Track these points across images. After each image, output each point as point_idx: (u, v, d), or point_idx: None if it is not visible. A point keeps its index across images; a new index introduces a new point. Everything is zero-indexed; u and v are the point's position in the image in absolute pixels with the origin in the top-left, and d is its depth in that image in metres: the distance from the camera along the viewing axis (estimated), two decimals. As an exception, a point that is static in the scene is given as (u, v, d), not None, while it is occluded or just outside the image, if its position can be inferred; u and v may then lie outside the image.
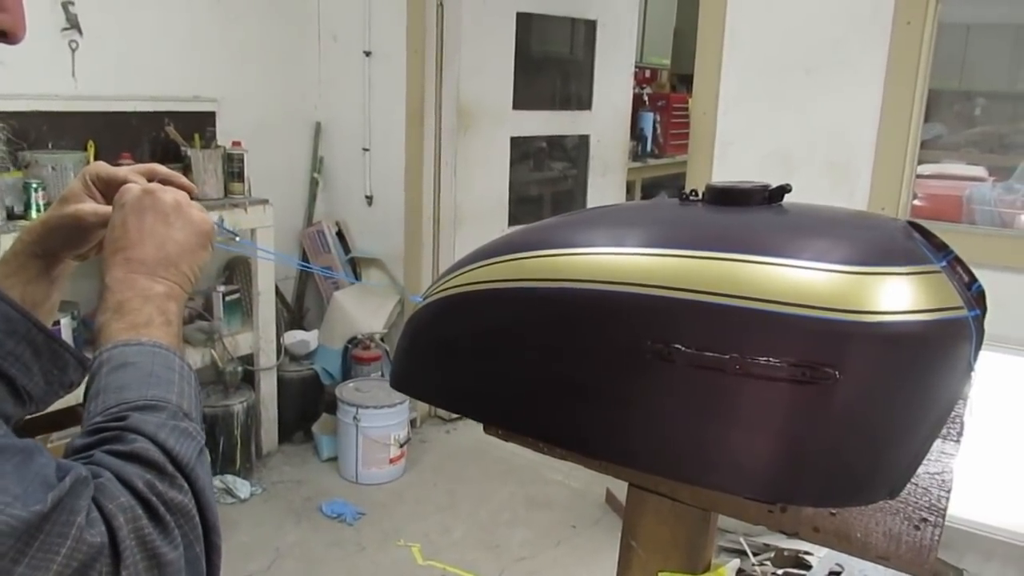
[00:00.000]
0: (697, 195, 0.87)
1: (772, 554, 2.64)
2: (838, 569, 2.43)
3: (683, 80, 6.07)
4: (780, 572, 2.55)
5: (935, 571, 2.51)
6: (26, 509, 0.50)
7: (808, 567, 2.49)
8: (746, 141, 2.76)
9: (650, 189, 5.68)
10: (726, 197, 0.84)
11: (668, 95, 5.91)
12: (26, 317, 0.67)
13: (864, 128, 2.53)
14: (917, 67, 2.42)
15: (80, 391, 0.69)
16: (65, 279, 0.86)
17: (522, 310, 0.82)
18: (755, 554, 2.67)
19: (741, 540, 2.73)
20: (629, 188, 5.10)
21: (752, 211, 0.83)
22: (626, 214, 0.94)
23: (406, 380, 0.97)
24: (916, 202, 2.69)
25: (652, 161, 5.57)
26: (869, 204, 2.56)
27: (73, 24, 2.83)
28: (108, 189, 0.80)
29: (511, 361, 0.84)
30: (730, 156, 2.79)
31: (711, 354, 0.71)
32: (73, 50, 2.85)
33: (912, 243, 0.74)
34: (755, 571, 2.62)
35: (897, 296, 0.69)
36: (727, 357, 0.71)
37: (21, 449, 0.53)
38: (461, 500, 3.12)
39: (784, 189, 0.84)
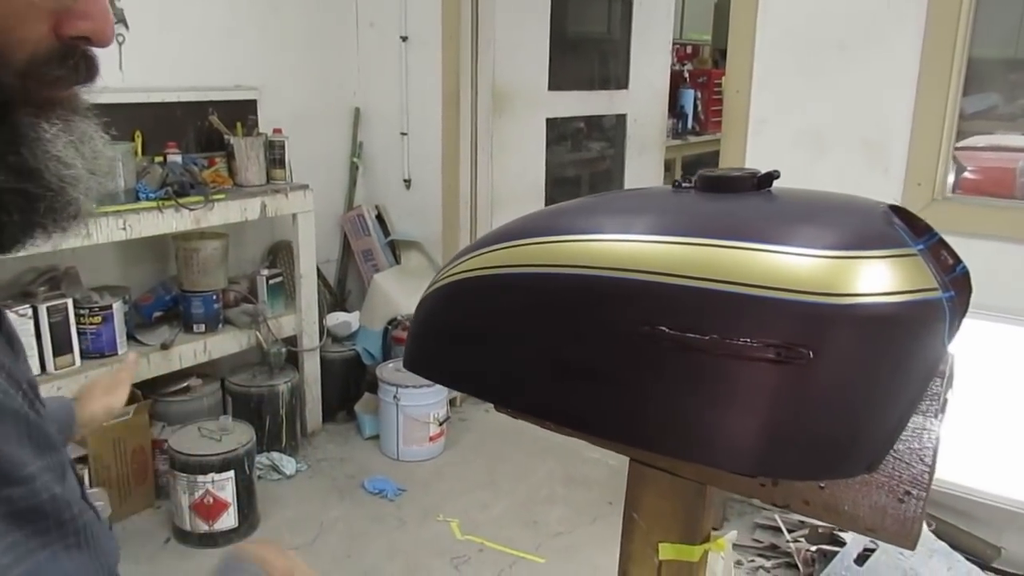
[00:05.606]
0: (690, 182, 0.90)
1: (807, 531, 2.65)
2: (872, 546, 2.43)
3: (725, 55, 5.98)
4: (814, 548, 2.56)
5: (974, 548, 2.48)
6: None
7: (842, 544, 2.49)
8: (780, 118, 2.74)
9: (691, 167, 5.65)
10: (717, 184, 0.87)
11: (709, 71, 5.85)
12: None
13: (899, 103, 2.50)
14: (955, 37, 2.38)
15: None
16: None
17: (518, 295, 0.86)
18: (790, 531, 2.69)
19: (776, 517, 2.75)
20: (669, 166, 5.08)
21: (741, 198, 0.85)
22: (619, 202, 0.97)
23: (418, 362, 1.02)
24: (968, 175, 2.63)
25: (693, 138, 5.53)
26: (905, 180, 2.53)
27: (120, 19, 2.93)
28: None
29: (510, 344, 0.88)
30: (764, 134, 2.77)
31: (693, 335, 0.75)
32: (120, 44, 2.95)
33: (890, 228, 0.76)
34: (790, 547, 2.64)
35: (872, 279, 0.72)
36: (708, 338, 0.74)
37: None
38: (500, 477, 3.19)
39: (772, 175, 0.86)
